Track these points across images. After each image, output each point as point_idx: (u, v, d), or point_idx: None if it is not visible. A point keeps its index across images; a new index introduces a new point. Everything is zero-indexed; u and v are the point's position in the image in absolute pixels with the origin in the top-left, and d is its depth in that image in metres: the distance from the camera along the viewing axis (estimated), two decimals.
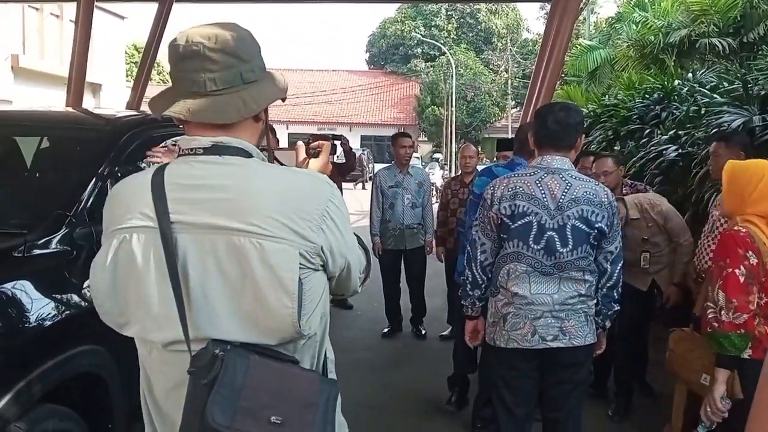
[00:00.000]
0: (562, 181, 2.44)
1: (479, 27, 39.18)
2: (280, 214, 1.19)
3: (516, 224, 2.44)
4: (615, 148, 6.82)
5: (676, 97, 6.66)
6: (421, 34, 37.83)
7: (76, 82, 7.23)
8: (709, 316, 2.36)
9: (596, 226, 2.43)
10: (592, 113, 8.85)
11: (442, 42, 36.50)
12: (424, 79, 36.33)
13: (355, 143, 33.51)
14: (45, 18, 14.65)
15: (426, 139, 34.75)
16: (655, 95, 6.97)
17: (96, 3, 7.45)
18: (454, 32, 39.32)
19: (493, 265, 2.56)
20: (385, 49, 41.07)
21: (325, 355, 1.38)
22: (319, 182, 1.31)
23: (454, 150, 29.90)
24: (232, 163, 1.24)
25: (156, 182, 1.22)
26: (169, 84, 1.32)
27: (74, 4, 7.81)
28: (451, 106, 31.42)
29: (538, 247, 2.42)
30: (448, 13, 39.08)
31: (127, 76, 20.17)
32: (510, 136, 34.04)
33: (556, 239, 2.42)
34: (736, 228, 2.43)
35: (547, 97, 6.54)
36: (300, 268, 1.20)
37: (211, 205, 1.20)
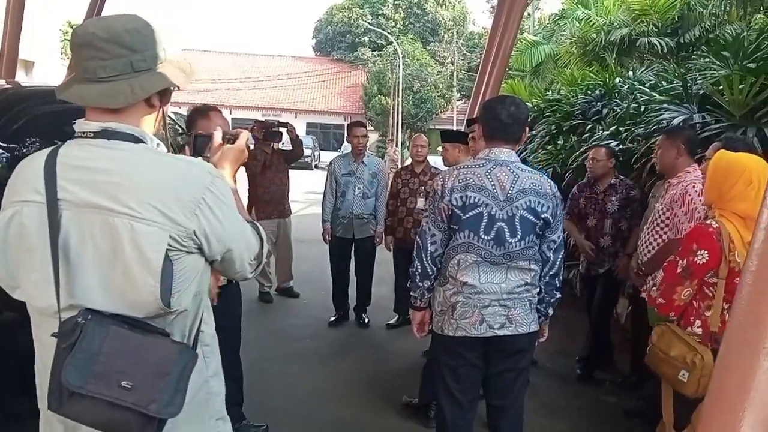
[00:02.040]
0: (511, 173, 2.51)
1: (426, 18, 39.32)
2: (155, 199, 1.30)
3: (467, 215, 2.48)
4: (558, 142, 6.99)
5: (616, 94, 6.87)
6: (369, 23, 37.70)
7: (8, 59, 6.87)
8: (648, 284, 2.51)
9: (542, 216, 2.52)
10: (536, 108, 9.04)
11: (389, 31, 36.45)
12: (371, 68, 36.20)
13: (300, 130, 33.10)
14: None
15: (372, 128, 34.70)
16: (597, 92, 7.17)
17: None
18: (401, 22, 39.31)
19: (442, 256, 2.60)
20: (332, 36, 40.71)
21: (198, 329, 1.46)
22: (199, 170, 1.40)
23: (400, 140, 30.02)
24: (118, 148, 1.35)
25: (48, 162, 1.33)
26: None
27: None
28: (398, 96, 31.49)
29: (488, 238, 2.48)
30: (396, 2, 39.08)
31: (61, 53, 19.24)
32: (456, 127, 34.41)
33: (506, 230, 2.49)
34: (708, 221, 2.47)
35: (494, 91, 6.65)
36: (171, 249, 1.31)
37: (94, 186, 1.31)
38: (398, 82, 31.74)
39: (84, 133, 1.37)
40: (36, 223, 1.31)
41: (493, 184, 2.49)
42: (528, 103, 9.78)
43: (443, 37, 38.53)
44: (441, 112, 34.57)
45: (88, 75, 1.34)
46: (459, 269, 2.52)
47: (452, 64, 35.99)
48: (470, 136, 3.84)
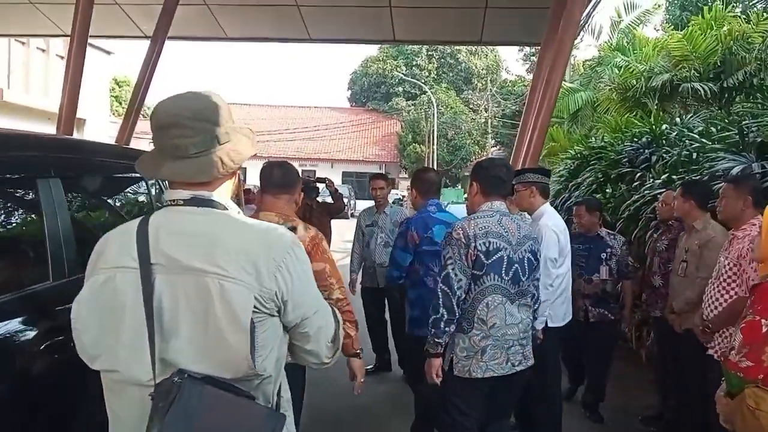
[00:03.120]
0: (513, 222, 2.92)
1: (459, 67, 39.90)
2: (241, 259, 1.36)
3: (491, 260, 2.77)
4: (606, 190, 6.88)
5: (664, 141, 6.79)
6: (403, 73, 38.39)
7: (67, 116, 7.12)
8: (717, 344, 2.37)
9: (538, 257, 3.00)
10: (578, 155, 8.96)
11: (423, 81, 37.04)
12: (406, 117, 36.71)
13: (336, 179, 33.54)
14: (31, 52, 14.56)
15: (407, 176, 34.93)
16: (644, 139, 7.09)
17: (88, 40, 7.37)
18: (435, 72, 39.93)
19: (465, 302, 2.80)
20: (367, 87, 41.46)
21: (279, 394, 1.51)
22: (281, 235, 1.47)
23: None
24: (207, 214, 1.43)
25: (141, 229, 1.40)
26: None
27: (59, 39, 7.73)
28: (432, 144, 31.74)
29: (508, 278, 2.82)
30: (429, 53, 39.78)
31: (111, 111, 20.01)
32: None
33: (519, 270, 2.85)
34: None
35: (540, 140, 6.59)
36: (255, 311, 1.36)
37: (188, 250, 1.37)
38: (433, 130, 32.04)
39: (174, 201, 1.44)
40: (130, 288, 1.35)
41: (506, 231, 2.84)
42: (570, 151, 9.74)
43: (476, 85, 38.97)
44: (476, 158, 34.65)
45: (179, 153, 1.41)
46: (488, 310, 2.78)
47: (486, 111, 36.24)
48: (515, 187, 3.87)
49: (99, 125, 17.85)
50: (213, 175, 1.43)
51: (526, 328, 2.91)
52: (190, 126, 1.40)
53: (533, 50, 36.98)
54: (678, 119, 7.87)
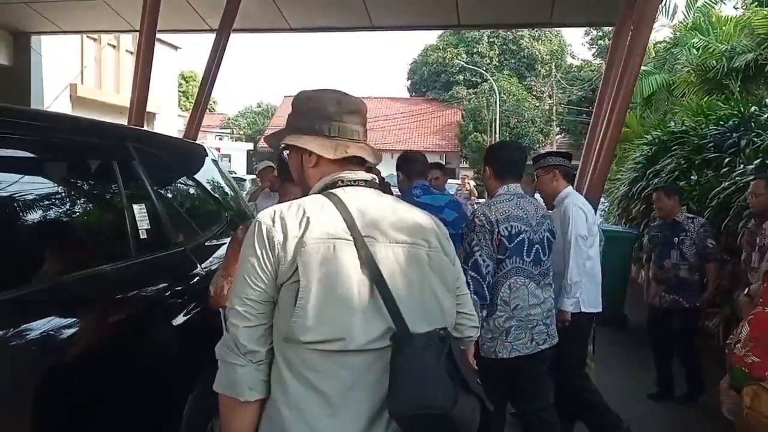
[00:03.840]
0: (530, 203, 2.99)
1: (522, 53, 38.91)
2: (430, 234, 1.55)
3: (513, 243, 2.85)
4: (691, 177, 6.47)
5: (753, 124, 6.32)
6: (464, 61, 37.80)
7: (137, 111, 7.26)
8: (729, 340, 2.19)
9: (554, 236, 3.08)
10: (656, 140, 8.53)
11: (484, 69, 36.38)
12: (467, 106, 36.16)
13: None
14: (103, 48, 15.02)
15: (468, 165, 34.49)
16: (731, 122, 6.62)
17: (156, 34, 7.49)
18: (497, 59, 39.09)
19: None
20: (426, 77, 41.06)
21: None
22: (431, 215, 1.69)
23: None
24: (381, 194, 1.59)
25: (339, 204, 1.48)
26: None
27: (130, 36, 7.90)
28: (494, 132, 31.16)
29: (530, 260, 2.89)
30: (490, 40, 38.98)
31: (179, 105, 20.53)
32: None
33: (540, 251, 2.93)
34: None
35: (618, 126, 6.24)
36: None
37: (390, 224, 1.50)
38: (495, 119, 31.45)
39: (356, 182, 1.56)
40: (349, 258, 1.42)
41: (526, 213, 2.91)
42: (646, 136, 9.27)
43: (540, 71, 37.95)
44: (540, 147, 33.82)
45: (356, 137, 1.59)
46: (511, 293, 2.87)
47: (550, 98, 35.28)
48: (536, 171, 3.93)
49: (168, 119, 18.31)
50: (379, 161, 1.66)
51: (550, 308, 3.00)
52: (364, 116, 1.64)
53: (601, 33, 35.76)
54: None
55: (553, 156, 3.87)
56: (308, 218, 1.44)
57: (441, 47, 39.64)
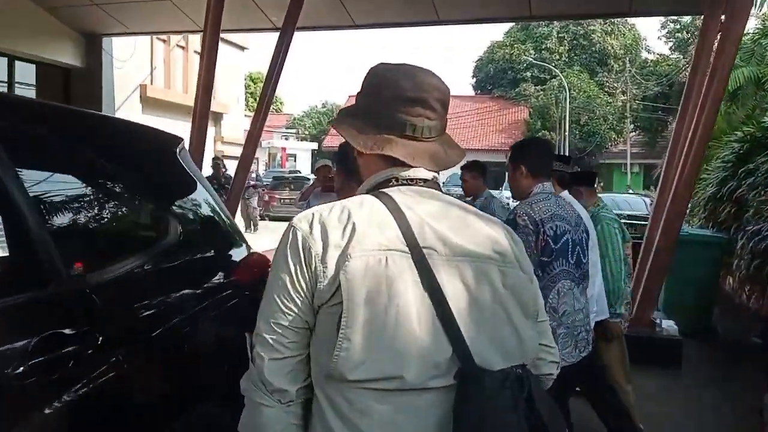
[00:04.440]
0: (566, 202, 2.87)
1: (593, 48, 37.53)
2: (505, 247, 1.25)
3: (558, 244, 2.67)
4: None
5: None
6: (532, 58, 36.86)
7: (201, 110, 7.24)
8: None
9: (589, 236, 2.94)
10: (748, 137, 7.87)
11: (553, 65, 35.37)
12: (534, 103, 35.27)
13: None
14: (172, 50, 15.35)
15: None
16: None
17: (221, 34, 7.46)
18: (566, 55, 37.97)
19: None
20: (492, 74, 40.37)
21: None
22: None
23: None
24: (444, 197, 1.29)
25: (393, 208, 1.20)
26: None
27: (198, 36, 7.93)
28: (564, 130, 30.19)
29: (573, 261, 2.72)
30: (560, 35, 37.85)
31: (245, 106, 20.83)
32: (629, 161, 32.05)
33: (580, 252, 2.77)
34: None
35: (708, 127, 5.71)
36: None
37: (455, 233, 1.21)
38: (564, 116, 30.47)
39: (413, 180, 1.27)
40: (406, 275, 1.14)
41: (566, 212, 2.76)
42: (736, 133, 8.56)
43: (612, 66, 36.55)
44: (612, 145, 32.60)
45: (411, 133, 1.26)
46: (559, 298, 2.68)
47: (623, 94, 33.91)
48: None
49: (234, 120, 18.59)
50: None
51: (588, 313, 2.88)
52: (435, 108, 1.29)
53: (679, 26, 34.11)
54: None
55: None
56: (354, 224, 1.17)
57: (508, 44, 38.93)
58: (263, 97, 8.31)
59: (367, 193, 1.26)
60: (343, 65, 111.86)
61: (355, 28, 9.14)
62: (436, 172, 1.29)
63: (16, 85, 10.02)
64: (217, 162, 11.22)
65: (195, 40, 15.63)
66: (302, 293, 1.16)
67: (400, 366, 1.10)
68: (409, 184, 1.26)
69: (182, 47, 15.84)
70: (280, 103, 47.11)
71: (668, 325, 5.62)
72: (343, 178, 2.55)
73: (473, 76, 43.04)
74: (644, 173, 32.87)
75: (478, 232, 1.24)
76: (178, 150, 2.83)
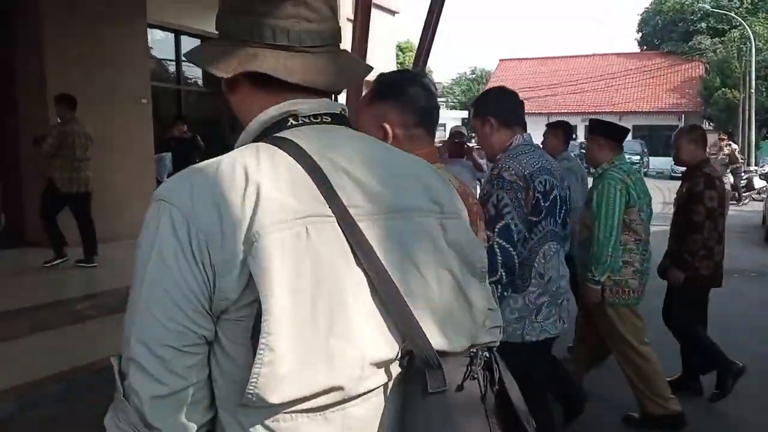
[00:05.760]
0: (547, 155, 2.60)
1: None
2: (441, 192, 1.01)
3: (548, 201, 2.43)
4: None
5: None
6: (708, 5, 33.11)
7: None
8: None
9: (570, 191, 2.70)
10: None
11: (733, 13, 31.52)
12: (712, 58, 31.77)
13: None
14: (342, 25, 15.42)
15: (712, 127, 30.13)
16: None
17: None
18: (749, 1, 33.74)
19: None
20: (660, 27, 37.31)
21: None
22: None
23: (752, 140, 25.37)
24: (360, 135, 1.02)
25: (304, 158, 0.89)
26: None
27: (350, 4, 7.62)
28: (749, 88, 26.71)
29: (560, 221, 2.49)
30: None
31: None
32: None
33: (566, 210, 2.54)
34: None
35: None
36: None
37: (380, 182, 0.94)
38: (749, 71, 26.94)
39: (317, 117, 0.98)
40: (334, 246, 0.86)
41: (551, 164, 2.51)
42: None
43: None
44: None
45: (285, 42, 0.95)
46: (545, 262, 2.46)
47: None
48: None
49: None
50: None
51: (569, 279, 2.64)
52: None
53: None
54: None
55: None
56: (258, 186, 0.84)
57: None
58: (417, 62, 7.84)
59: (256, 140, 0.94)
60: (493, 29, 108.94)
61: None
62: (330, 95, 1.01)
63: (183, 61, 10.41)
64: None
65: (347, 5, 15.53)
66: (193, 298, 0.82)
67: (337, 372, 0.84)
68: (312, 122, 0.97)
69: (351, 20, 15.86)
70: (429, 71, 46.86)
71: None
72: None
73: (638, 31, 40.26)
74: None
75: (410, 178, 0.99)
76: None
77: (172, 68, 10.33)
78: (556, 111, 32.82)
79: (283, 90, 0.95)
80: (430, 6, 7.40)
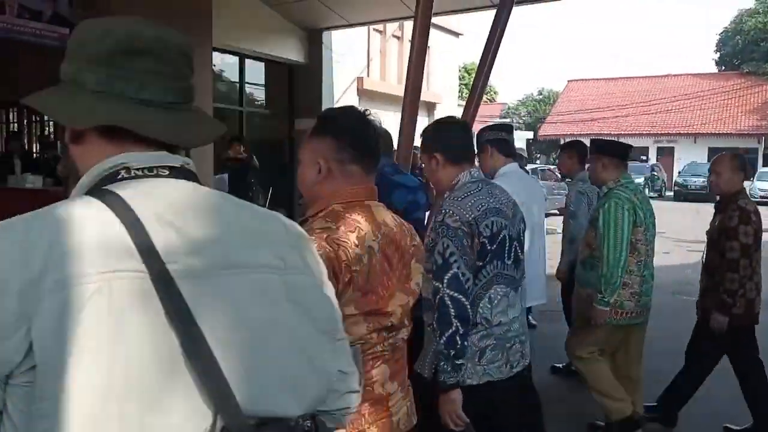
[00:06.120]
0: (498, 189, 2.50)
1: None
2: (287, 247, 0.98)
3: (494, 244, 2.35)
4: None
5: None
6: None
7: (411, 99, 6.86)
8: None
9: (526, 225, 2.60)
10: None
11: None
12: None
13: (701, 156, 29.42)
14: (387, 40, 15.47)
15: None
16: None
17: (432, 19, 7.00)
18: None
19: None
20: (740, 47, 35.70)
21: None
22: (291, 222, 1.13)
23: None
24: (203, 189, 0.97)
25: (122, 210, 0.85)
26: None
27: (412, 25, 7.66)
28: None
29: (510, 262, 2.42)
30: None
31: (458, 95, 20.53)
32: None
33: (518, 247, 2.45)
34: None
35: None
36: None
37: (213, 237, 0.90)
38: None
39: (152, 170, 0.93)
40: (144, 306, 0.79)
41: (500, 203, 2.42)
42: None
43: None
44: None
45: (186, 98, 1.02)
46: (492, 307, 2.36)
47: None
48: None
49: (447, 109, 18.28)
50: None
51: (524, 320, 2.55)
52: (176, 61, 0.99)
53: None
54: None
55: (488, 130, 3.89)
56: (50, 242, 0.79)
57: (762, 11, 34.11)
58: (476, 83, 7.72)
59: (88, 194, 0.90)
60: (561, 49, 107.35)
61: None
62: (183, 152, 0.99)
63: (246, 83, 10.64)
64: (414, 153, 11.04)
65: (410, 29, 15.61)
66: None
67: None
68: (147, 175, 0.93)
69: (398, 37, 15.91)
70: (494, 92, 46.46)
71: None
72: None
73: (716, 51, 38.66)
74: None
75: (253, 233, 0.96)
76: None
77: (235, 90, 10.57)
78: (626, 132, 31.80)
79: (125, 143, 0.94)
80: (492, 26, 7.31)
